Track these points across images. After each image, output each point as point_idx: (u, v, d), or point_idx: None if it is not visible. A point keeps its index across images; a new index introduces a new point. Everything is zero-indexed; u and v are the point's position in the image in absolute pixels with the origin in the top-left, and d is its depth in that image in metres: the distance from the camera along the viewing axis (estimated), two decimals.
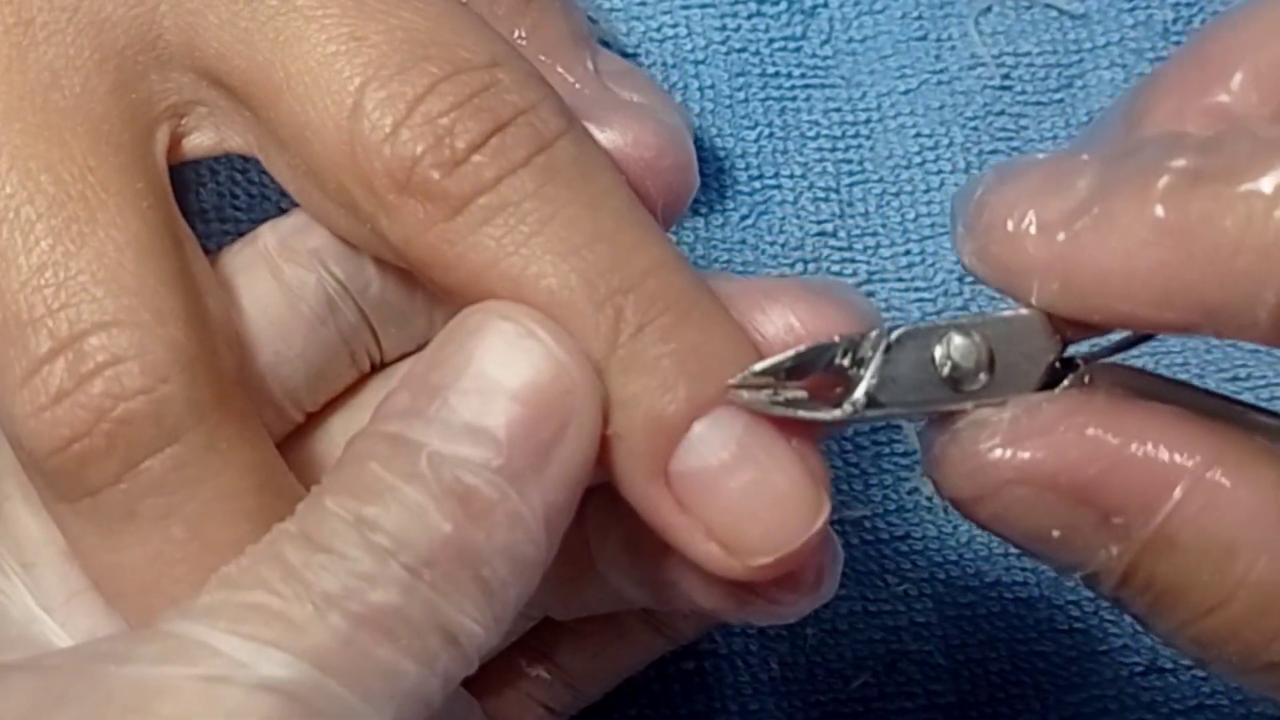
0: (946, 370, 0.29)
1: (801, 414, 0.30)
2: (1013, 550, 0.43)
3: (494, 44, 0.31)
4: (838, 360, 0.30)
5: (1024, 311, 0.29)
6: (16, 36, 0.31)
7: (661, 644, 0.40)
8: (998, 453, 0.29)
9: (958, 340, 0.29)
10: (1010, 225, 0.29)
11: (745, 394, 0.30)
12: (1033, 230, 0.28)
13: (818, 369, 0.30)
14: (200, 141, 0.33)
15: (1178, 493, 0.28)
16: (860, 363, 0.30)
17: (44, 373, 0.30)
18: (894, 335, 0.30)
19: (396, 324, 0.34)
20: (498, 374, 0.29)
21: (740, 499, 0.30)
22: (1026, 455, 0.28)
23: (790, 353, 0.30)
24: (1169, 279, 0.27)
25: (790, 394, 0.30)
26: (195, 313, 0.31)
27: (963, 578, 0.43)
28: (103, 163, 0.31)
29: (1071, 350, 0.30)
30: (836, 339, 0.30)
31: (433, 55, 0.30)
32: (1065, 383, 0.30)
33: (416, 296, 0.34)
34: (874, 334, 0.30)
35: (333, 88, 0.30)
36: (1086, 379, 0.30)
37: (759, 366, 0.30)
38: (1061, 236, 0.28)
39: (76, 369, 0.30)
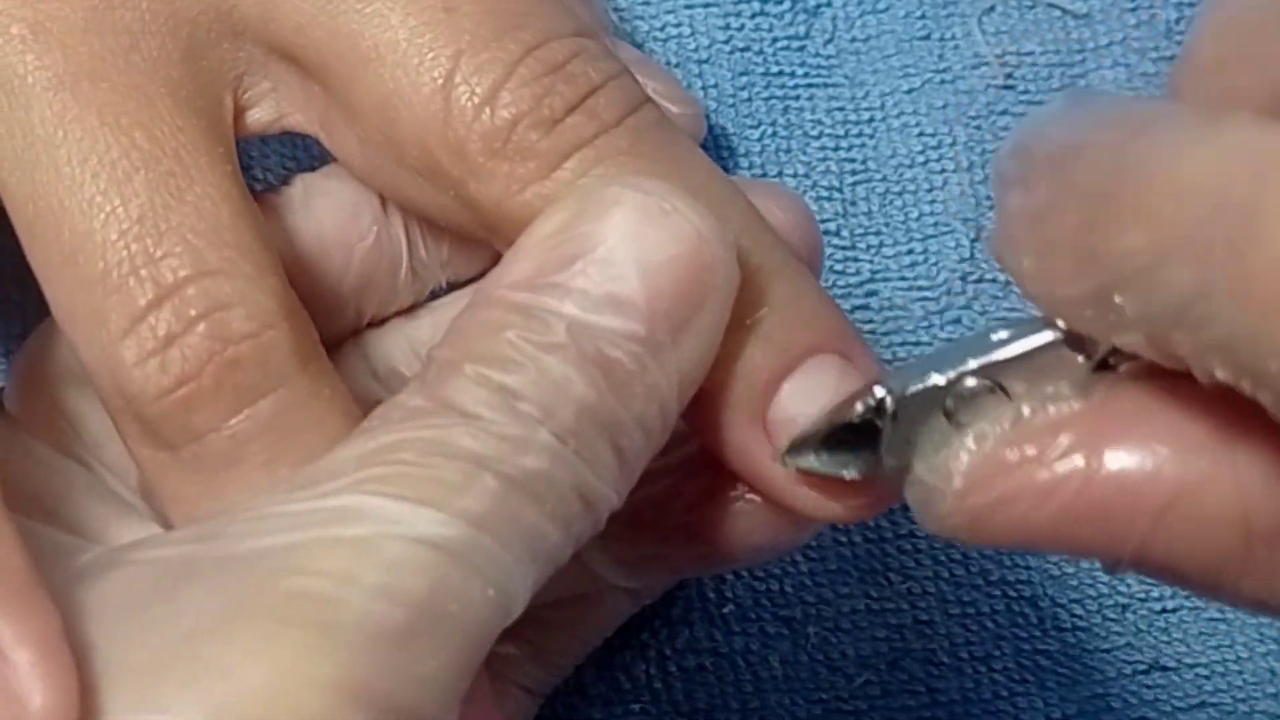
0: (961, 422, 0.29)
1: (844, 474, 0.31)
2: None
3: (575, 19, 0.32)
4: (868, 416, 0.30)
5: (1040, 339, 0.28)
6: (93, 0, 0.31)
7: (628, 605, 0.40)
8: (956, 520, 0.28)
9: (969, 387, 0.29)
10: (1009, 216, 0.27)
11: (788, 460, 0.31)
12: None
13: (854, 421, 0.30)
14: (260, 117, 0.33)
15: (1134, 542, 0.26)
16: (883, 416, 0.29)
17: (150, 319, 0.30)
18: (899, 397, 0.29)
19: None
20: (638, 245, 0.29)
21: None
22: (988, 526, 0.28)
23: (823, 418, 0.31)
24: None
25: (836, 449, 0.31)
26: (283, 270, 0.31)
27: (966, 576, 0.43)
28: (189, 124, 0.31)
29: None
30: (860, 403, 0.30)
31: (523, 24, 0.31)
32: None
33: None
34: (882, 396, 0.29)
35: (426, 56, 0.31)
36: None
37: (799, 434, 0.31)
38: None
39: (184, 314, 0.30)
